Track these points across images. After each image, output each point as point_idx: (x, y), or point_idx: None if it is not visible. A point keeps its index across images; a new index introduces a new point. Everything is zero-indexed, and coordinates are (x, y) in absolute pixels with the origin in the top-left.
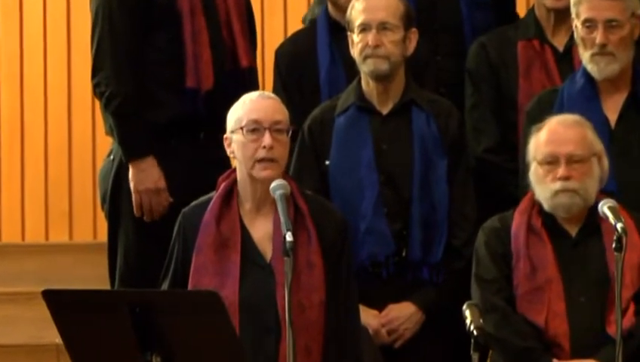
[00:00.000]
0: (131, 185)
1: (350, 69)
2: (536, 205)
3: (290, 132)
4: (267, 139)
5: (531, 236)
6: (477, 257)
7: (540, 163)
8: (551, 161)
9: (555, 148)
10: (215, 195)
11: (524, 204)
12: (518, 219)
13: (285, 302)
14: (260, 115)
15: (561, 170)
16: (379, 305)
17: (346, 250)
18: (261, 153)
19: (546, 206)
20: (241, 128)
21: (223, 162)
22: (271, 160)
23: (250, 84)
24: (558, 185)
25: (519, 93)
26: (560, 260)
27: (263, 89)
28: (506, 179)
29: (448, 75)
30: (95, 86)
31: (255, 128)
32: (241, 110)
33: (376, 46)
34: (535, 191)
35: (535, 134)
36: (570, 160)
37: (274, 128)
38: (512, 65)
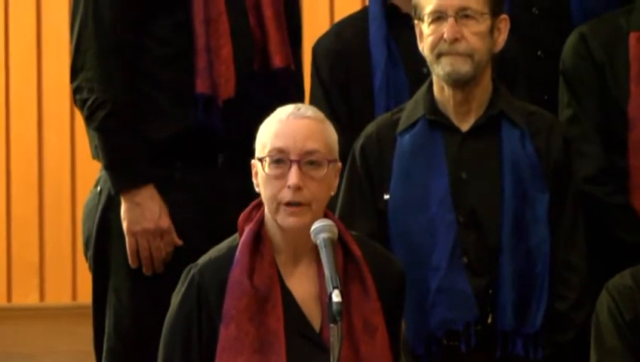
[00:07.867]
0: (124, 224)
1: (413, 70)
2: None
3: (337, 164)
4: (293, 176)
5: None
6: (597, 324)
7: None
8: None
9: None
10: (240, 243)
11: None
12: None
13: None
14: (287, 142)
15: None
16: None
17: (402, 312)
18: (286, 194)
19: None
20: (264, 158)
21: (249, 195)
22: (299, 204)
23: (287, 91)
24: None
25: (630, 103)
26: None
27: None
28: (612, 217)
29: (553, 77)
30: (75, 92)
31: (279, 159)
32: (267, 132)
33: (455, 40)
34: None
35: None
36: None
37: (305, 160)
38: (621, 66)
